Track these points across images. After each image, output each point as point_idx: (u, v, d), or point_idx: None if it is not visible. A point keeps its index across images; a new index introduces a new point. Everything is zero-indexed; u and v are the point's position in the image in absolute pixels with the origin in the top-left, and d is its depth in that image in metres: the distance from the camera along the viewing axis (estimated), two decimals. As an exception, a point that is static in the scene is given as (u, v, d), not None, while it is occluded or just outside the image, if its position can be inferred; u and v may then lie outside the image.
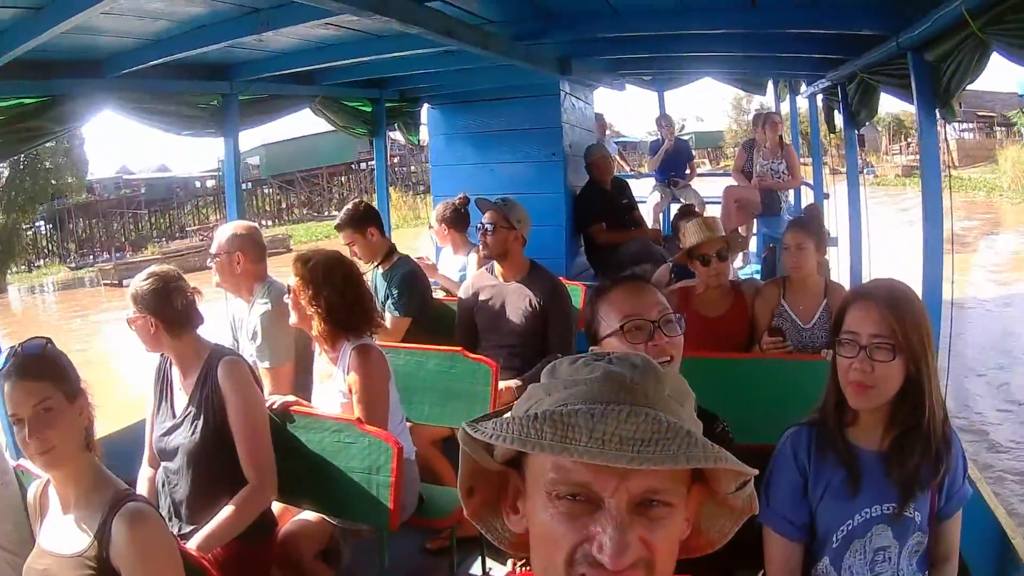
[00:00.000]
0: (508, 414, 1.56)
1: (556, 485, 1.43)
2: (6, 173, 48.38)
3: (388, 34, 6.24)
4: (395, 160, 60.96)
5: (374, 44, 6.67)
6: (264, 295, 5.49)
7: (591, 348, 3.18)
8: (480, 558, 5.63)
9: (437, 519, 5.16)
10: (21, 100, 5.62)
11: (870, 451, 3.04)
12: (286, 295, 4.94)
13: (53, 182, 52.05)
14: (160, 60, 5.82)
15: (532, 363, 6.13)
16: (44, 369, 3.05)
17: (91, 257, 54.02)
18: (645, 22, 6.56)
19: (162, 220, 60.15)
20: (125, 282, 45.40)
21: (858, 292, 3.09)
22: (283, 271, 5.07)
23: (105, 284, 41.37)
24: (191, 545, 3.90)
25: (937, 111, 5.48)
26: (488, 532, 1.71)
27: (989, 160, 51.48)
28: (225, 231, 5.61)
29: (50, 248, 55.18)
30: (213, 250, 5.56)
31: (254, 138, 68.68)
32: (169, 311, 4.20)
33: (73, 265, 52.36)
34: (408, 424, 5.36)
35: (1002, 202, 41.96)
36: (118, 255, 53.38)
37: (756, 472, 1.44)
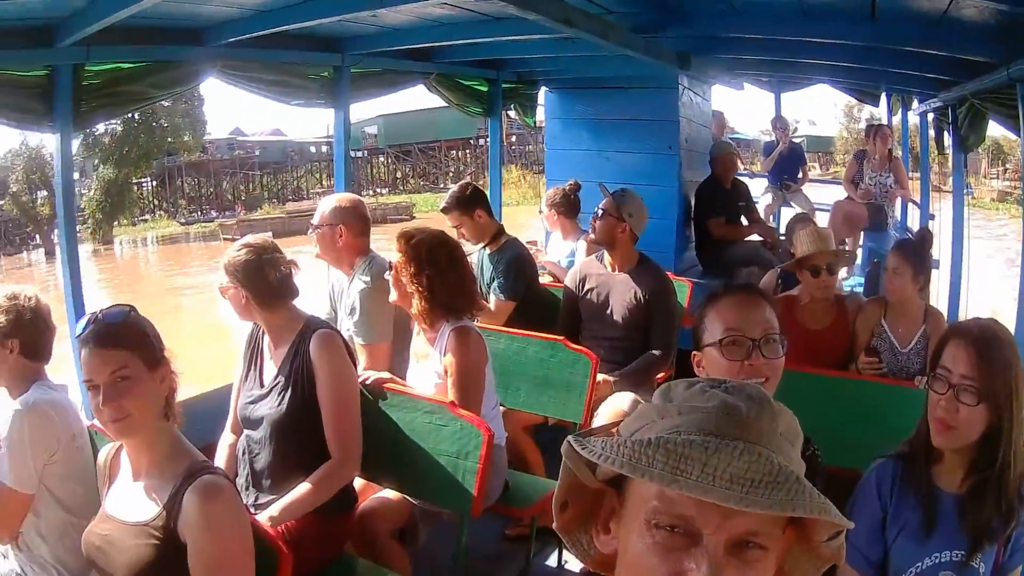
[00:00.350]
0: (615, 431, 1.57)
1: (657, 514, 1.39)
2: (120, 129, 49.21)
3: (506, 17, 6.09)
4: (512, 139, 61.03)
5: (492, 26, 6.52)
6: (365, 271, 5.41)
7: (692, 352, 3.13)
8: (557, 549, 5.62)
9: (520, 507, 5.11)
10: (118, 64, 5.60)
11: (949, 493, 3.02)
12: (388, 271, 4.88)
13: (170, 140, 52.94)
14: (267, 31, 5.75)
15: (633, 357, 6.07)
16: (124, 337, 2.97)
17: (198, 213, 54.95)
18: (766, 25, 6.45)
19: (273, 182, 60.93)
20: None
21: (958, 329, 3.01)
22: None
23: (225, 239, 42.43)
24: (268, 514, 3.89)
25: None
26: (573, 547, 1.67)
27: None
28: (329, 203, 5.55)
29: (156, 203, 56.16)
30: (315, 221, 5.50)
31: (373, 107, 69.31)
32: (261, 284, 4.17)
33: (183, 220, 53.26)
34: (502, 408, 5.30)
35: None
36: (228, 213, 54.18)
37: (852, 525, 1.38)
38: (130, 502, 3.03)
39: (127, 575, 2.91)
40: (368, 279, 5.37)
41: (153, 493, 2.96)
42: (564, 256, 8.17)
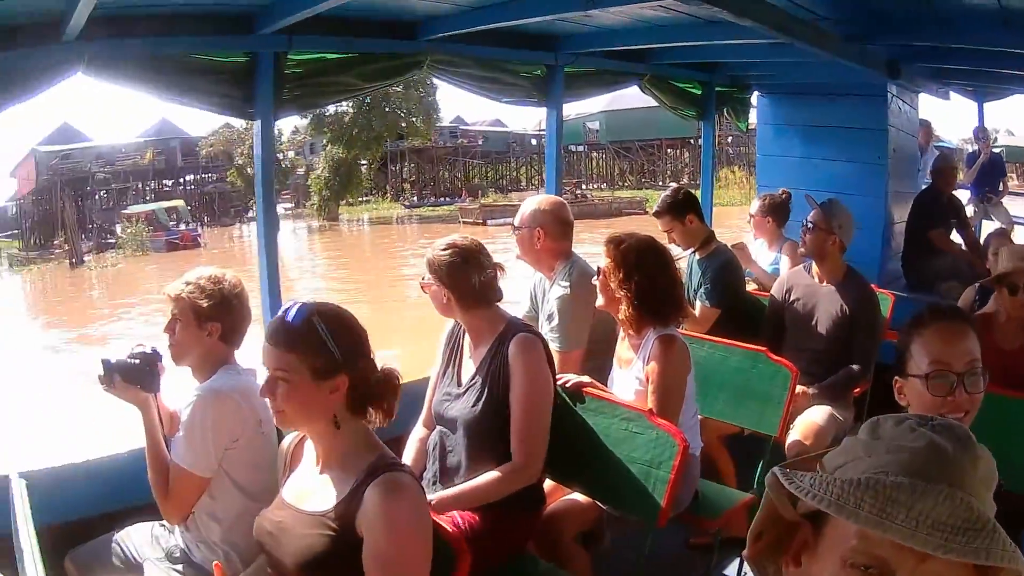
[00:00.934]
0: (819, 464, 1.53)
1: (855, 554, 1.35)
2: (350, 110, 50.72)
3: (719, 21, 5.78)
4: (728, 139, 60.95)
5: (705, 29, 6.31)
6: (565, 276, 5.26)
7: (895, 378, 3.04)
8: (738, 561, 5.34)
9: (707, 517, 4.86)
10: (323, 55, 5.56)
11: None
12: (595, 277, 4.70)
13: (403, 124, 54.45)
14: (480, 28, 5.66)
15: (832, 369, 5.79)
16: (294, 341, 2.84)
17: (416, 198, 56.27)
18: (970, 34, 6.05)
19: (491, 171, 62.02)
20: (489, 221, 47.96)
21: None
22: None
23: (465, 222, 43.78)
24: (435, 497, 3.83)
25: None
26: (759, 575, 1.61)
27: None
28: (529, 205, 5.42)
29: (373, 185, 57.73)
30: (516, 223, 5.40)
31: (596, 103, 70.21)
32: (463, 285, 4.04)
33: (407, 204, 54.62)
34: (699, 418, 5.07)
35: None
36: (445, 199, 55.42)
37: None
38: (309, 491, 2.96)
39: (296, 563, 2.84)
40: (567, 284, 5.21)
41: (334, 485, 2.88)
42: (768, 264, 7.87)
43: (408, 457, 4.40)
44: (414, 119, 56.98)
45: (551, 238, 5.30)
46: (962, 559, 1.23)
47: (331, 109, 51.71)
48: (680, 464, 4.06)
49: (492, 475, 3.96)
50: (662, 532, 4.35)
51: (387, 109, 54.24)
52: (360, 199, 56.77)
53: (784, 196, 7.90)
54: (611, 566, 4.77)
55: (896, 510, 1.26)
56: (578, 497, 4.55)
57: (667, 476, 4.08)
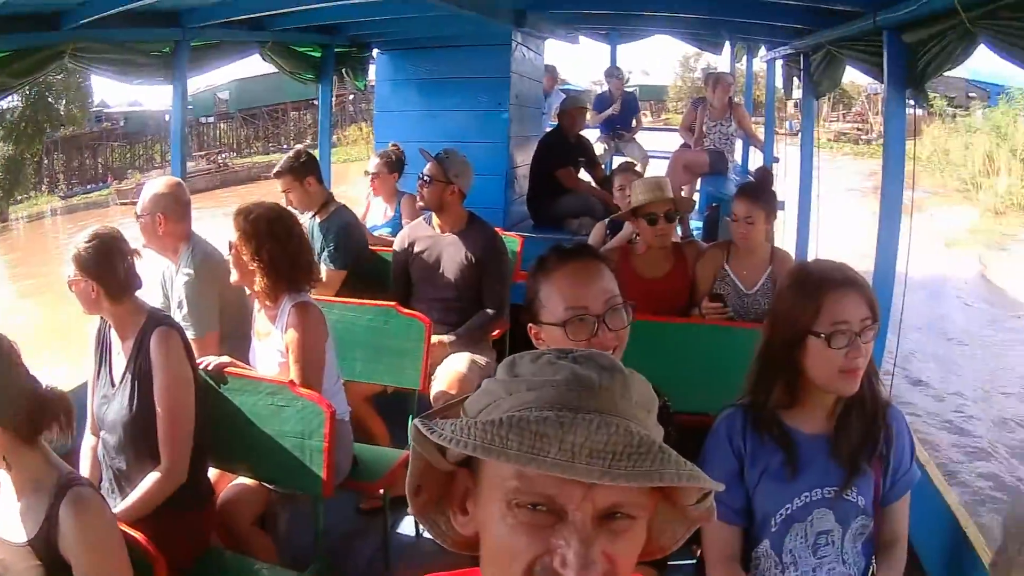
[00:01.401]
0: (461, 408, 1.44)
1: (518, 494, 1.28)
2: (20, 105, 48.19)
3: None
4: (350, 98, 61.16)
5: (325, -9, 6.17)
6: (188, 262, 5.11)
7: (529, 325, 2.85)
8: (414, 519, 5.35)
9: (370, 481, 4.96)
10: None
11: (810, 434, 2.92)
12: (229, 251, 4.56)
13: (63, 113, 52.17)
14: (114, 10, 5.41)
15: (467, 317, 5.97)
16: None
17: (65, 187, 53.99)
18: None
19: (129, 152, 60.30)
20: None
21: (835, 281, 2.81)
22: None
23: (123, 203, 42.54)
24: None
25: (907, 92, 5.30)
26: (431, 530, 1.55)
27: (918, 135, 54.04)
28: (148, 191, 5.21)
29: (35, 180, 55.19)
30: (138, 211, 5.17)
31: (227, 73, 68.61)
32: (111, 275, 3.87)
33: (62, 194, 52.33)
34: (342, 382, 5.10)
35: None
36: (91, 186, 53.44)
37: (722, 487, 1.29)
38: (13, 522, 2.84)
39: None
40: (191, 270, 5.08)
41: (31, 512, 2.80)
42: (387, 220, 8.09)
43: (84, 468, 4.23)
44: (72, 107, 54.77)
45: (171, 221, 5.12)
46: (631, 484, 1.20)
47: (3, 104, 48.84)
48: (331, 432, 4.08)
49: (144, 485, 3.83)
50: (334, 503, 4.49)
51: (50, 100, 51.71)
52: (26, 195, 54.05)
53: (397, 151, 8.09)
54: (293, 544, 4.82)
55: (547, 444, 1.20)
56: (245, 481, 4.49)
57: (321, 445, 4.09)
